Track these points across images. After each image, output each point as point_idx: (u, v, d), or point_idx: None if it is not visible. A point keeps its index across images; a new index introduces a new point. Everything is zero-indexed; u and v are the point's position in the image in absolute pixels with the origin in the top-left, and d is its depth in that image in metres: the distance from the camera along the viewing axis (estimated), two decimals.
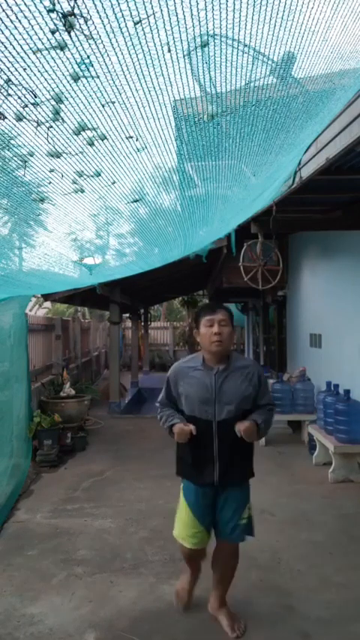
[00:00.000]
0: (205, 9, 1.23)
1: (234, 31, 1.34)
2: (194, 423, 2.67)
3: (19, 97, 1.43)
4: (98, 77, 1.43)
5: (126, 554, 3.81)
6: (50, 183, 2.04)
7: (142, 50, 1.35)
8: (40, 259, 3.32)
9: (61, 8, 1.17)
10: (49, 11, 1.17)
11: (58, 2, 1.16)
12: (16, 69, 1.31)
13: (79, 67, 1.37)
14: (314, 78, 1.82)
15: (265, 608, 3.02)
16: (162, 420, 2.83)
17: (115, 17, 1.21)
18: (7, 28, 1.17)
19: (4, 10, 1.11)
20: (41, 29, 1.20)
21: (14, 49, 1.24)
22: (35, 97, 1.44)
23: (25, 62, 1.30)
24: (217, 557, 2.92)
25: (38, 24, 1.19)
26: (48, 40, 1.24)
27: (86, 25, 1.22)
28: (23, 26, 1.18)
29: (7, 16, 1.13)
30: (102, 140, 1.77)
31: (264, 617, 2.95)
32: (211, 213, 3.46)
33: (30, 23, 1.17)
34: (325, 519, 4.42)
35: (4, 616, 3.05)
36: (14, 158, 1.82)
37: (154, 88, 1.53)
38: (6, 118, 1.50)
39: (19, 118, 1.51)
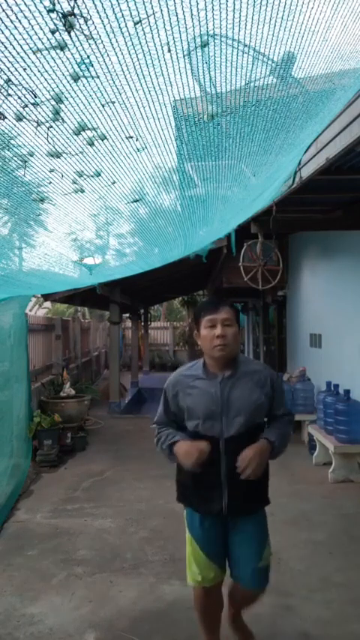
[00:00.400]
0: (205, 9, 1.23)
1: (234, 31, 1.34)
2: (200, 439, 2.26)
3: (19, 97, 1.43)
4: (98, 77, 1.43)
5: (126, 554, 3.81)
6: (50, 183, 2.04)
7: (142, 50, 1.35)
8: (40, 259, 3.33)
9: (61, 8, 1.17)
10: (49, 11, 1.17)
11: (58, 2, 1.16)
12: (16, 69, 1.31)
13: (79, 67, 1.37)
14: (314, 78, 1.82)
15: (265, 608, 3.02)
16: (159, 442, 2.35)
17: (115, 17, 1.21)
18: (7, 28, 1.17)
19: (4, 10, 1.11)
20: (41, 29, 1.20)
21: (14, 49, 1.24)
22: (35, 97, 1.44)
23: (25, 62, 1.30)
24: (234, 598, 2.55)
25: (38, 24, 1.19)
26: (48, 40, 1.24)
27: (86, 25, 1.22)
28: (23, 26, 1.18)
29: (7, 16, 1.13)
30: (102, 140, 1.77)
31: (264, 617, 2.95)
32: (211, 213, 3.46)
33: (30, 23, 1.17)
34: (325, 519, 4.42)
35: (4, 616, 3.05)
36: (14, 158, 1.82)
37: (154, 88, 1.53)
38: (6, 118, 1.50)
39: (19, 118, 1.51)
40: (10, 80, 1.35)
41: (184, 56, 1.40)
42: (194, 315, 2.42)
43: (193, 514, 2.41)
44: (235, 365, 2.31)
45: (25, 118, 1.52)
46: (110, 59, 1.36)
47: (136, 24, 1.24)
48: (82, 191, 2.20)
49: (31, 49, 1.25)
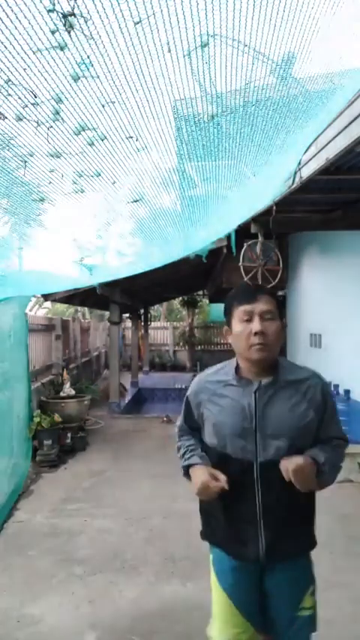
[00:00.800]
0: (205, 9, 1.23)
1: (234, 31, 1.34)
2: (225, 464, 1.79)
3: (19, 97, 1.43)
4: (98, 77, 1.43)
5: (126, 554, 3.80)
6: (50, 183, 2.04)
7: (142, 50, 1.35)
8: (41, 259, 3.32)
9: (61, 8, 1.17)
10: (49, 11, 1.17)
11: (58, 2, 1.16)
12: (16, 69, 1.31)
13: (79, 67, 1.37)
14: (314, 78, 1.82)
15: None
16: (179, 453, 2.00)
17: (115, 17, 1.21)
18: (7, 28, 1.17)
19: (4, 10, 1.11)
20: (41, 29, 1.20)
21: (14, 49, 1.24)
22: (35, 97, 1.44)
23: (25, 62, 1.30)
24: None
25: (38, 24, 1.19)
26: (48, 40, 1.24)
27: (86, 25, 1.22)
28: (23, 26, 1.18)
29: (7, 16, 1.13)
30: (102, 140, 1.77)
31: None
32: (211, 213, 3.46)
33: (30, 23, 1.17)
34: (325, 519, 4.42)
35: (4, 616, 3.05)
36: (14, 158, 1.82)
37: (154, 88, 1.53)
38: (6, 118, 1.50)
39: (19, 118, 1.51)
40: (10, 80, 1.35)
41: (184, 56, 1.40)
42: (225, 306, 1.88)
43: (222, 556, 1.89)
44: (275, 370, 1.81)
45: (25, 118, 1.52)
46: (110, 59, 1.36)
47: (136, 24, 1.24)
48: (82, 191, 2.20)
49: (31, 49, 1.25)
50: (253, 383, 1.80)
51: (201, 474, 1.78)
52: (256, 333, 1.73)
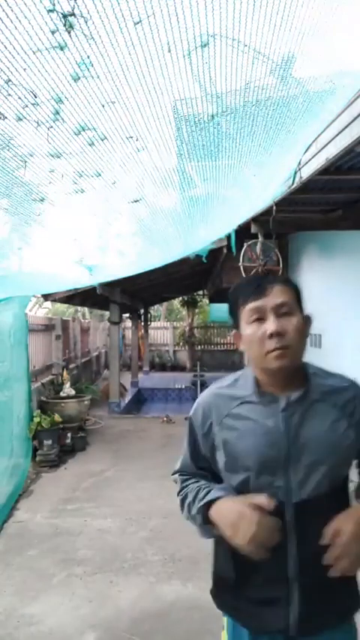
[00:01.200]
0: (205, 9, 1.23)
1: (234, 31, 1.34)
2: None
3: (19, 97, 1.43)
4: (98, 77, 1.43)
5: (126, 554, 3.81)
6: (50, 183, 2.04)
7: (142, 50, 1.35)
8: (41, 259, 3.32)
9: (61, 8, 1.17)
10: (49, 11, 1.17)
11: (58, 2, 1.16)
12: (16, 69, 1.31)
13: (79, 67, 1.37)
14: (314, 78, 1.82)
15: None
16: (185, 503, 1.46)
17: (115, 17, 1.21)
18: (7, 28, 1.17)
19: (4, 10, 1.11)
20: (41, 29, 1.20)
21: (14, 49, 1.24)
22: (35, 97, 1.44)
23: (25, 62, 1.30)
24: None
25: (38, 24, 1.19)
26: (48, 40, 1.24)
27: (86, 25, 1.22)
28: (23, 26, 1.18)
29: (7, 16, 1.13)
30: (102, 140, 1.77)
31: None
32: (211, 214, 3.46)
33: (30, 23, 1.17)
34: None
35: (4, 616, 3.05)
36: (14, 158, 1.82)
37: (154, 88, 1.53)
38: (6, 118, 1.50)
39: (19, 118, 1.52)
40: (10, 80, 1.35)
41: (184, 56, 1.40)
42: (229, 305, 1.50)
43: (238, 629, 1.42)
44: (304, 379, 1.43)
45: (25, 118, 1.52)
46: (110, 59, 1.36)
47: (136, 24, 1.24)
48: (83, 191, 2.20)
49: (31, 49, 1.25)
50: (279, 399, 1.38)
51: (228, 505, 1.31)
52: (271, 335, 1.32)
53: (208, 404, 1.49)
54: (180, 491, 1.52)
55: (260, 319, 1.37)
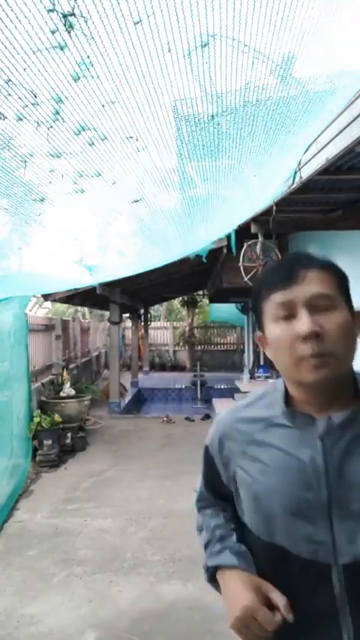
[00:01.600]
0: (205, 9, 1.23)
1: (234, 31, 1.34)
2: (281, 566, 1.06)
3: (19, 97, 1.43)
4: (98, 77, 1.43)
5: (126, 554, 3.80)
6: (50, 183, 2.04)
7: (142, 50, 1.35)
8: (41, 259, 3.32)
9: (61, 8, 1.17)
10: (49, 11, 1.17)
11: (58, 2, 1.16)
12: (16, 69, 1.32)
13: (79, 67, 1.37)
14: (314, 78, 1.82)
15: None
16: (202, 539, 1.23)
17: (115, 17, 1.21)
18: (7, 28, 1.17)
19: (4, 10, 1.12)
20: (41, 29, 1.21)
21: (14, 49, 1.24)
22: (35, 97, 1.44)
23: (25, 62, 1.30)
24: None
25: (38, 24, 1.19)
26: (48, 40, 1.24)
27: (86, 25, 1.22)
28: (23, 26, 1.18)
29: (7, 16, 1.13)
30: (102, 140, 1.77)
31: None
32: (211, 214, 3.46)
33: (30, 23, 1.18)
34: None
35: (4, 616, 3.05)
36: (14, 158, 1.82)
37: (154, 88, 1.53)
38: (6, 118, 1.50)
39: (19, 118, 1.52)
40: (10, 80, 1.35)
41: (184, 56, 1.40)
42: (252, 298, 1.15)
43: None
44: (354, 396, 1.07)
45: (25, 118, 1.52)
46: (110, 59, 1.36)
47: (136, 24, 1.24)
48: (83, 191, 2.20)
49: (31, 49, 1.26)
50: (316, 421, 1.05)
51: (240, 591, 1.02)
52: (305, 338, 0.97)
53: (228, 429, 1.18)
54: (197, 522, 1.30)
55: (290, 316, 1.02)
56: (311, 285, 1.01)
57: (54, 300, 9.61)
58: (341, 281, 1.06)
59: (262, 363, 11.16)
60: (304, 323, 0.98)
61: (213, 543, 1.18)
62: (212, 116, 1.82)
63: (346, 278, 1.08)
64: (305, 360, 0.99)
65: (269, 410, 1.12)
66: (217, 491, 1.26)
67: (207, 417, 9.25)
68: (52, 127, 1.60)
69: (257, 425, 1.13)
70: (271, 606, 0.99)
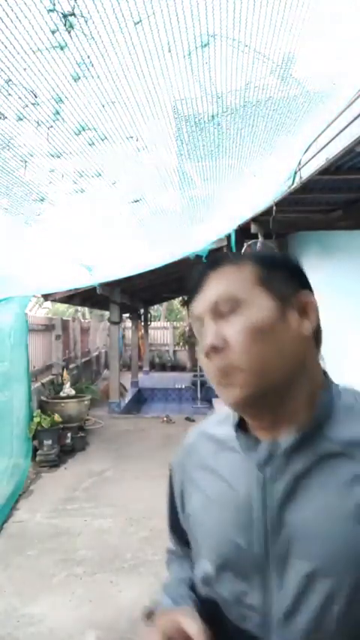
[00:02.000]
0: (206, 9, 1.23)
1: (234, 31, 1.34)
2: (218, 626, 0.80)
3: (19, 97, 1.43)
4: (98, 77, 1.43)
5: (126, 554, 3.81)
6: (50, 183, 2.04)
7: (142, 50, 1.35)
8: (41, 259, 3.33)
9: (61, 8, 1.17)
10: (49, 11, 1.17)
11: (58, 2, 1.16)
12: (16, 69, 1.32)
13: (79, 67, 1.37)
14: (314, 78, 1.82)
15: None
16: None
17: (115, 17, 1.21)
18: (7, 28, 1.17)
19: (4, 10, 1.12)
20: (41, 29, 1.21)
21: (14, 49, 1.24)
22: (35, 97, 1.44)
23: (25, 62, 1.30)
24: None
25: (38, 24, 1.19)
26: (48, 40, 1.24)
27: (86, 25, 1.22)
28: (23, 26, 1.18)
29: (7, 16, 1.13)
30: (102, 140, 1.77)
31: None
32: (211, 213, 3.46)
33: (30, 23, 1.18)
34: None
35: (4, 616, 3.05)
36: (14, 158, 1.82)
37: (154, 88, 1.53)
38: (6, 118, 1.50)
39: (19, 118, 1.52)
40: (10, 80, 1.35)
41: (184, 56, 1.40)
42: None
43: None
44: (312, 412, 0.80)
45: (25, 118, 1.52)
46: (110, 59, 1.36)
47: (136, 24, 1.24)
48: (83, 191, 2.20)
49: (31, 49, 1.26)
50: (259, 444, 0.82)
51: (160, 624, 0.82)
52: (206, 354, 0.80)
53: (188, 449, 0.98)
54: (167, 562, 1.10)
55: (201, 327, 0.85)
56: (215, 288, 0.82)
57: (54, 300, 9.61)
58: (263, 271, 0.83)
59: None
60: (206, 336, 0.81)
61: (167, 587, 0.98)
62: (212, 116, 1.82)
63: (276, 264, 0.88)
64: (215, 380, 0.80)
65: (228, 429, 0.89)
66: (176, 536, 1.01)
67: None
68: (52, 126, 1.60)
69: (214, 446, 0.91)
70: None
